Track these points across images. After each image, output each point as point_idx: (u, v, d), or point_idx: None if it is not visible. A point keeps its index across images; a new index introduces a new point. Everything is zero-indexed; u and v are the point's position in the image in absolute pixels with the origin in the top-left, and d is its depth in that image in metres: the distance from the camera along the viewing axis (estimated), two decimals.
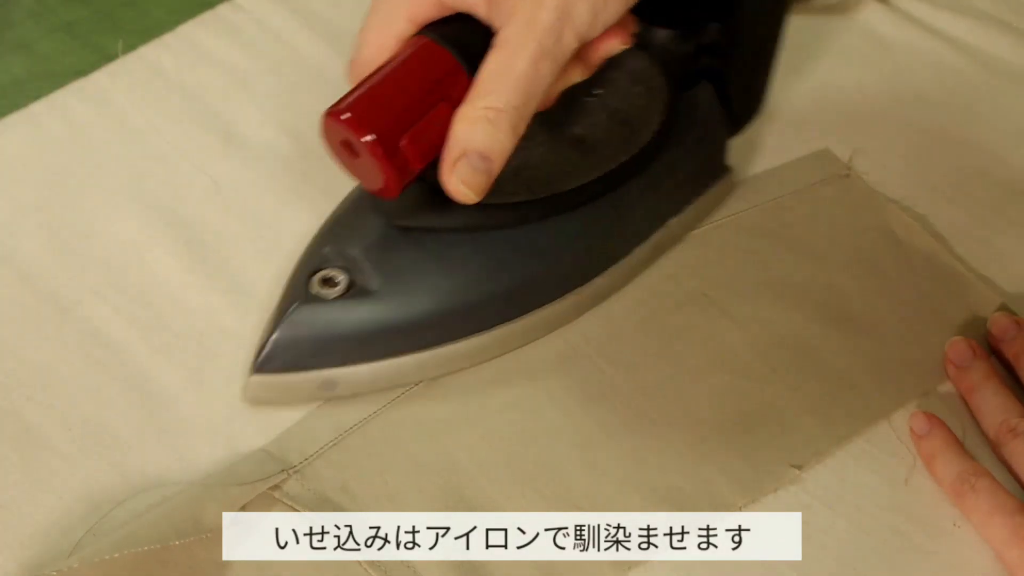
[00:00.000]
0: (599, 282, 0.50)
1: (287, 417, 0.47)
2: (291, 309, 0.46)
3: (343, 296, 0.46)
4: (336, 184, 0.56)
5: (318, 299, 0.46)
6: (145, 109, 0.59)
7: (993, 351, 0.49)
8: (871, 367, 0.49)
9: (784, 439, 0.47)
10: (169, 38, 0.63)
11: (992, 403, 0.46)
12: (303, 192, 0.56)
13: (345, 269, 0.46)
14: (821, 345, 0.50)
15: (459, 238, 0.47)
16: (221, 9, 0.64)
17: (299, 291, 0.46)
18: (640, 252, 0.51)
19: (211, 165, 0.57)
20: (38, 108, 0.59)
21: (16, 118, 0.59)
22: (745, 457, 0.46)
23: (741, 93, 0.54)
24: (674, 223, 0.52)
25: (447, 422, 0.47)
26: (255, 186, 0.56)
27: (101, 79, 0.60)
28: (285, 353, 0.46)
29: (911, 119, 0.59)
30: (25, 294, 0.51)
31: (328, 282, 0.46)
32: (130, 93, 0.60)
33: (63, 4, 0.65)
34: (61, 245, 0.53)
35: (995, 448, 0.46)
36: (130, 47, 0.62)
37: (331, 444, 0.46)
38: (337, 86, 0.60)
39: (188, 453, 0.46)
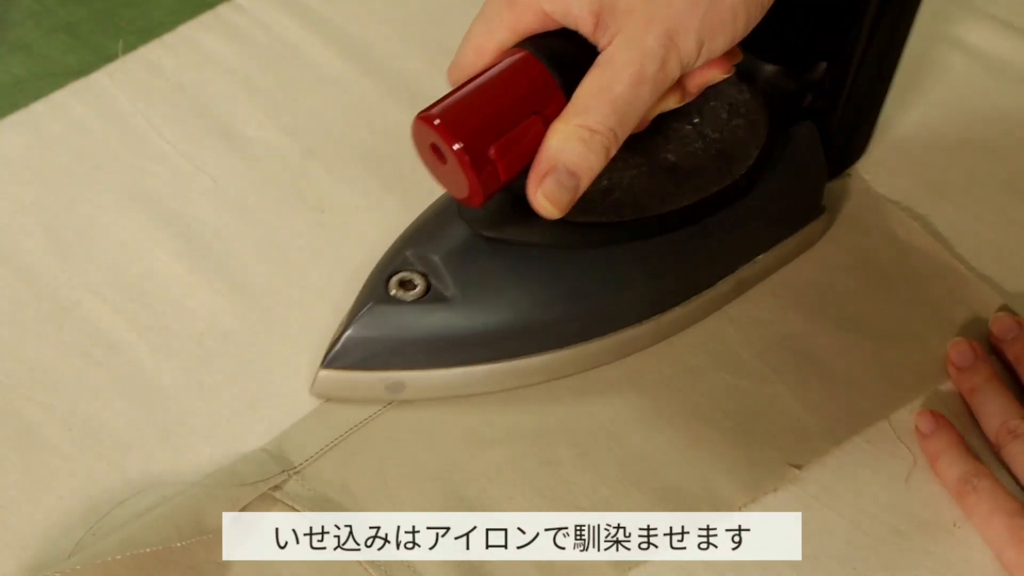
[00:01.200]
0: (681, 311, 0.49)
1: (287, 417, 0.47)
2: (366, 308, 0.46)
3: (419, 300, 0.46)
4: (336, 184, 0.56)
5: (394, 300, 0.46)
6: (145, 109, 0.59)
7: (994, 351, 0.49)
8: (871, 367, 0.49)
9: (784, 439, 0.47)
10: (169, 38, 0.63)
11: (993, 404, 0.46)
12: (303, 192, 0.56)
13: (424, 274, 0.46)
14: (821, 345, 0.50)
15: (541, 253, 0.46)
16: (221, 9, 0.64)
17: (376, 291, 0.46)
18: (723, 285, 0.50)
19: (211, 165, 0.57)
20: (38, 108, 0.59)
21: (16, 118, 0.59)
22: (745, 457, 0.46)
23: (844, 134, 0.53)
24: (762, 260, 0.51)
25: (447, 422, 0.47)
26: (255, 186, 0.56)
27: (101, 79, 0.60)
28: (356, 351, 0.46)
29: (912, 119, 0.59)
30: (25, 294, 0.51)
31: (406, 285, 0.46)
32: (130, 93, 0.60)
33: (63, 4, 0.65)
34: (61, 245, 0.53)
35: (995, 450, 0.46)
36: (130, 47, 0.62)
37: (331, 444, 0.46)
38: (337, 86, 0.61)
39: (188, 453, 0.46)
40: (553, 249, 0.46)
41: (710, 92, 0.45)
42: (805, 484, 0.45)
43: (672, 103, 0.43)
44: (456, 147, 0.39)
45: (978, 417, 0.47)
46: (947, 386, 0.48)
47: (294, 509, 0.44)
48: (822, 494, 0.45)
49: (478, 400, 0.48)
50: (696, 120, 0.49)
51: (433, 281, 0.46)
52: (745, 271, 0.50)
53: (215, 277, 0.52)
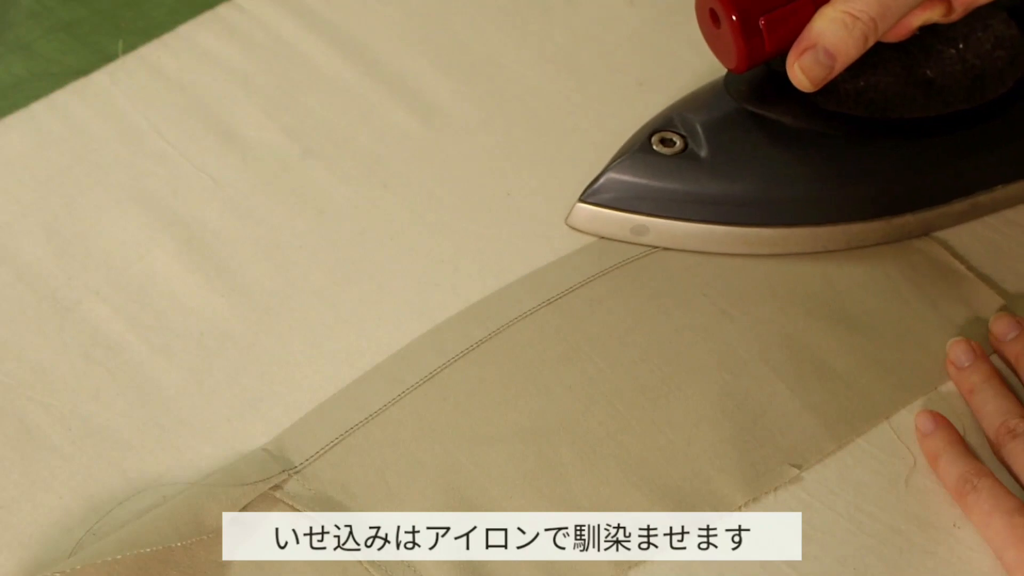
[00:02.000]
0: (912, 218, 0.52)
1: (287, 417, 0.47)
2: (628, 154, 0.51)
3: (675, 156, 0.51)
4: (336, 184, 0.56)
5: (653, 152, 0.51)
6: (145, 109, 0.59)
7: (995, 351, 0.49)
8: (871, 367, 0.49)
9: (784, 439, 0.47)
10: (169, 38, 0.63)
11: (992, 404, 0.46)
12: (303, 192, 0.56)
13: (683, 135, 0.51)
14: (821, 345, 0.50)
15: (793, 133, 0.51)
16: (221, 9, 0.64)
17: (639, 143, 0.51)
18: (958, 205, 0.52)
19: (211, 165, 0.57)
20: (38, 108, 0.59)
21: (16, 118, 0.59)
22: (745, 457, 0.46)
23: None
24: (1001, 190, 0.53)
25: (448, 422, 0.47)
26: (255, 186, 0.56)
27: (101, 79, 0.60)
28: (612, 190, 0.51)
29: None
30: (25, 294, 0.51)
31: (666, 142, 0.51)
32: (130, 93, 0.60)
33: (63, 4, 0.65)
34: (61, 245, 0.53)
35: (995, 449, 0.46)
36: (130, 47, 0.62)
37: (332, 444, 0.46)
38: (337, 86, 0.61)
39: (188, 453, 0.46)
40: (805, 132, 0.51)
41: (977, 22, 0.49)
42: (805, 484, 0.45)
43: (936, 16, 0.46)
44: (732, 14, 0.45)
45: (977, 417, 0.47)
46: (947, 386, 0.48)
47: (294, 509, 0.44)
48: (822, 494, 0.45)
49: (479, 400, 0.48)
50: (960, 45, 0.51)
51: (691, 142, 0.51)
52: (981, 197, 0.52)
53: (215, 277, 0.52)
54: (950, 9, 0.46)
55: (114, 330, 0.50)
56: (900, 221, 0.52)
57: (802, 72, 0.45)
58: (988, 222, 0.54)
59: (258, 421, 0.47)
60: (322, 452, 0.46)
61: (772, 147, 0.51)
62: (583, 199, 0.52)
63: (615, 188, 0.51)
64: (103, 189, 0.56)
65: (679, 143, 0.51)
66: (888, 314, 0.51)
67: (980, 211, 0.53)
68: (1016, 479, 0.45)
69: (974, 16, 0.47)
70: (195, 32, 0.63)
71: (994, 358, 0.49)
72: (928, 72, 0.50)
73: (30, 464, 0.46)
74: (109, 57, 0.61)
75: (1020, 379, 0.48)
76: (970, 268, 0.52)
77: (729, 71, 0.49)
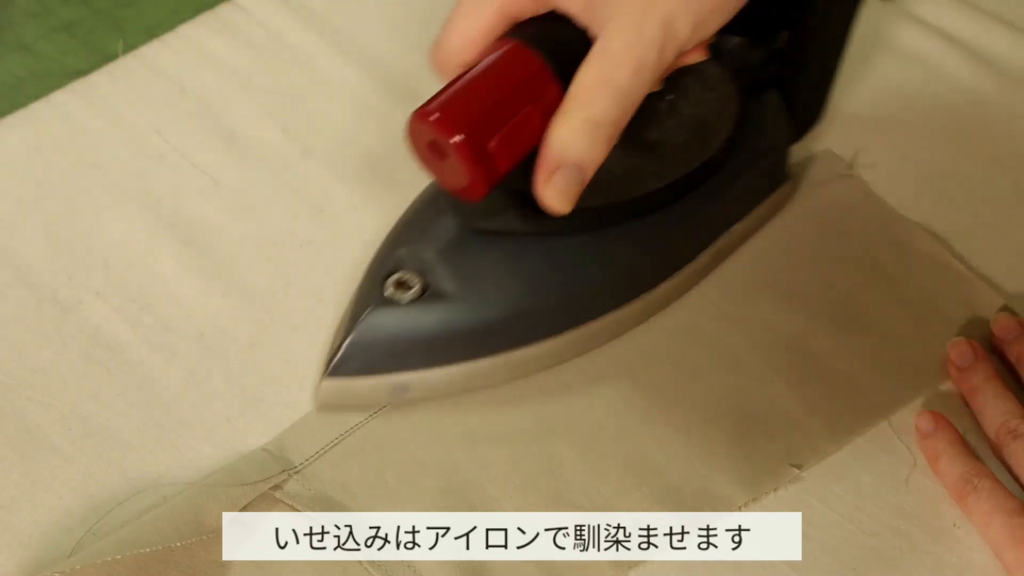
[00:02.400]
0: (667, 286, 0.50)
1: (287, 417, 0.47)
2: (365, 313, 0.45)
3: (418, 300, 0.46)
4: (336, 184, 0.56)
5: (392, 302, 0.45)
6: (145, 109, 0.59)
7: (995, 352, 0.49)
8: (871, 367, 0.49)
9: (784, 439, 0.47)
10: (169, 38, 0.63)
11: (992, 404, 0.46)
12: (303, 192, 0.56)
13: (419, 272, 0.46)
14: (821, 345, 0.50)
15: (533, 242, 0.47)
16: (221, 9, 0.64)
17: (373, 294, 0.46)
18: (704, 257, 0.51)
19: (211, 165, 0.57)
20: (38, 108, 0.59)
21: (16, 118, 0.59)
22: (745, 457, 0.46)
23: (806, 100, 0.54)
24: (737, 229, 0.52)
25: (447, 422, 0.47)
26: (255, 186, 0.56)
27: (101, 79, 0.61)
28: (359, 357, 0.46)
29: (913, 119, 0.59)
30: (25, 294, 0.51)
31: (402, 285, 0.46)
32: (130, 93, 0.60)
33: (63, 4, 0.65)
34: (61, 245, 0.53)
35: (995, 450, 0.46)
36: (130, 47, 0.62)
37: (332, 444, 0.46)
38: (337, 86, 0.61)
39: (188, 453, 0.46)
40: (544, 237, 0.47)
41: (683, 69, 0.45)
42: (805, 484, 0.46)
43: (655, 85, 0.43)
44: (456, 140, 0.39)
45: (978, 417, 0.47)
46: (947, 386, 0.48)
47: (294, 509, 0.44)
48: (822, 494, 0.45)
49: (478, 400, 0.48)
50: (670, 96, 0.50)
51: (430, 279, 0.46)
52: (722, 241, 0.51)
53: (215, 277, 0.52)
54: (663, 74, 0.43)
55: (114, 330, 0.50)
56: (657, 293, 0.49)
57: (558, 195, 0.40)
58: (989, 222, 0.54)
59: (258, 421, 0.47)
60: (322, 452, 0.46)
61: (518, 262, 0.46)
62: (329, 374, 0.46)
63: (361, 354, 0.46)
64: (103, 189, 0.56)
65: (418, 283, 0.46)
66: (888, 314, 0.51)
67: (721, 256, 0.52)
68: (1016, 479, 0.45)
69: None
70: (195, 32, 0.63)
71: (995, 358, 0.49)
72: (650, 134, 0.48)
73: (30, 464, 0.46)
74: (109, 57, 0.61)
75: (1020, 380, 0.48)
76: (970, 268, 0.52)
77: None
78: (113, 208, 0.55)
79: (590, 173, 0.40)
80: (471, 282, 0.46)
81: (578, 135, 0.39)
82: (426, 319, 0.45)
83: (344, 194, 0.56)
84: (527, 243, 0.47)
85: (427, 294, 0.46)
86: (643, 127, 0.48)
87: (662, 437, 0.47)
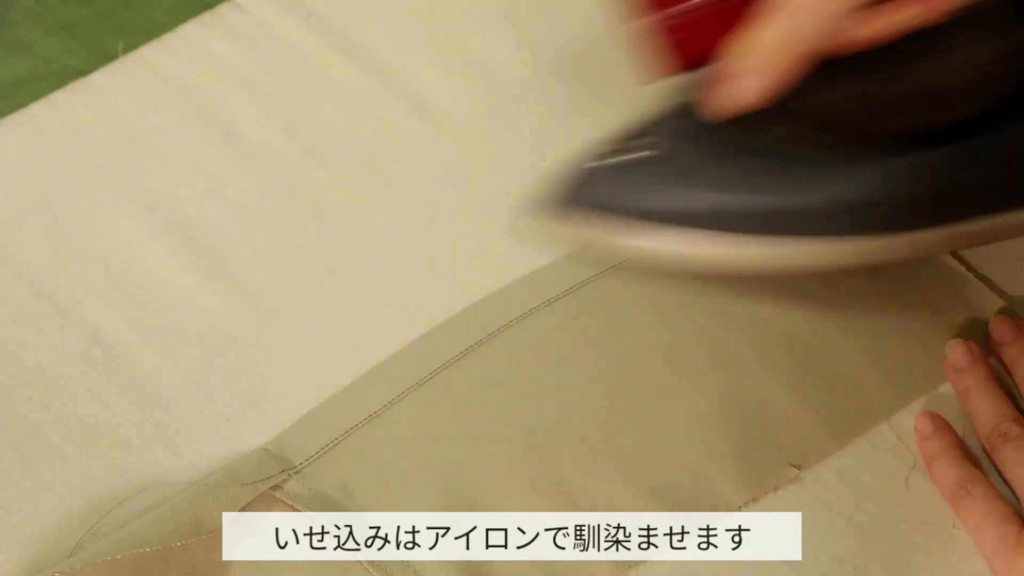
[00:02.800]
0: (885, 240, 0.46)
1: (287, 417, 0.47)
2: (593, 162, 0.48)
3: (640, 162, 0.47)
4: (336, 184, 0.56)
5: (617, 154, 0.48)
6: (145, 109, 0.59)
7: (993, 353, 0.49)
8: (871, 367, 0.49)
9: (784, 439, 0.47)
10: (169, 38, 0.63)
11: (986, 406, 0.46)
12: (303, 192, 0.56)
13: (652, 142, 0.48)
14: (821, 345, 0.50)
15: (765, 148, 0.46)
16: (221, 9, 0.64)
17: (603, 149, 0.48)
18: (966, 227, 0.46)
19: (211, 165, 0.57)
20: (38, 108, 0.59)
21: (16, 118, 0.59)
22: (745, 457, 0.46)
23: None
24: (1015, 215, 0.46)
25: (447, 422, 0.47)
26: (255, 186, 0.56)
27: (101, 79, 0.60)
28: (577, 197, 0.48)
29: None
30: (25, 294, 0.51)
31: (629, 148, 0.48)
32: (130, 93, 0.60)
33: (63, 4, 0.65)
34: (61, 245, 0.53)
35: (988, 452, 0.46)
36: (130, 47, 0.62)
37: (331, 444, 0.46)
38: (337, 86, 0.61)
39: (188, 453, 0.46)
40: (777, 144, 0.46)
41: (964, 18, 0.43)
42: (805, 484, 0.46)
43: (916, 18, 0.41)
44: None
45: (973, 419, 0.47)
46: (947, 387, 0.48)
47: (294, 509, 0.44)
48: (822, 494, 0.45)
49: (479, 400, 0.48)
50: (950, 42, 0.45)
51: (656, 149, 0.47)
52: (1003, 219, 0.46)
53: (215, 277, 0.52)
54: (929, 9, 0.41)
55: (114, 330, 0.50)
56: (884, 242, 0.46)
57: (740, 91, 0.42)
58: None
59: (258, 421, 0.47)
60: (322, 452, 0.46)
61: (738, 157, 0.46)
62: (542, 209, 0.48)
63: (579, 193, 0.48)
64: (103, 189, 0.56)
65: (646, 151, 0.47)
66: (888, 314, 0.51)
67: (998, 234, 0.47)
68: (1007, 483, 0.45)
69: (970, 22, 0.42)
70: (195, 32, 0.63)
71: (994, 360, 0.49)
72: (918, 78, 0.45)
73: (30, 464, 0.46)
74: (109, 57, 0.61)
75: (1015, 382, 0.48)
76: (970, 268, 0.52)
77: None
78: (113, 208, 0.55)
79: (781, 78, 0.41)
80: (731, 164, 0.46)
81: (772, 39, 0.40)
82: (639, 178, 0.47)
83: (344, 194, 0.56)
84: (759, 148, 0.46)
85: (648, 158, 0.47)
86: (908, 67, 0.45)
87: (662, 437, 0.47)
